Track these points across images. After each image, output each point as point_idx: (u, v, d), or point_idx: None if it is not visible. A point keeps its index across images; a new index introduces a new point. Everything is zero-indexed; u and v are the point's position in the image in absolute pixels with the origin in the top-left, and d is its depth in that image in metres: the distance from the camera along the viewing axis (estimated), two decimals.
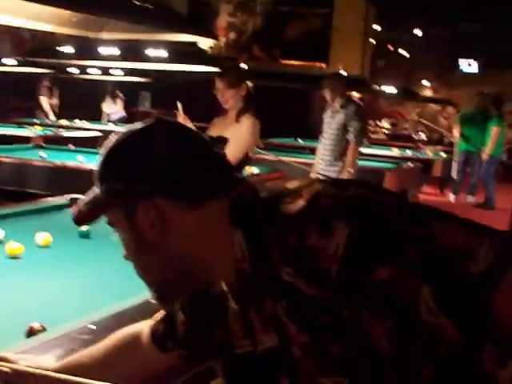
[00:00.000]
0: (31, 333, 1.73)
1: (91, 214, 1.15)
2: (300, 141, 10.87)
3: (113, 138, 1.14)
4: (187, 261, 1.09)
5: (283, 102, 14.14)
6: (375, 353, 0.94)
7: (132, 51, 9.70)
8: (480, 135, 10.50)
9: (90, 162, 5.98)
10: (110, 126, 11.04)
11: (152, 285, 1.20)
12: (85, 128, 10.03)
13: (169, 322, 1.30)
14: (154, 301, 1.96)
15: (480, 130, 10.50)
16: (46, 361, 1.50)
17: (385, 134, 15.73)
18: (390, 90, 15.08)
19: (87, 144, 8.03)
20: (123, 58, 10.45)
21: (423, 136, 15.64)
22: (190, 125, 4.32)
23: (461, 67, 16.46)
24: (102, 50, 9.30)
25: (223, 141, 4.39)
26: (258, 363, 1.11)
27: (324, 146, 6.24)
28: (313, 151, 9.24)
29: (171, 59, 10.39)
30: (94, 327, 1.77)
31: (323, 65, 14.29)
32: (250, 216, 1.07)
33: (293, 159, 7.76)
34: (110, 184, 1.10)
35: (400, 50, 16.10)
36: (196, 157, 1.10)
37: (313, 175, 6.28)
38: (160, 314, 1.37)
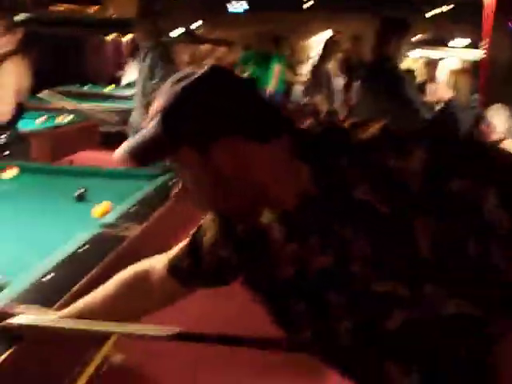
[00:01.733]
0: None
1: (154, 153, 1.18)
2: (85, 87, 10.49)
3: (173, 81, 1.17)
4: (253, 190, 1.16)
5: (57, 48, 13.58)
6: (424, 259, 1.05)
7: None
8: (263, 74, 10.98)
9: None
10: None
11: (218, 212, 1.30)
12: None
13: (194, 257, 1.38)
14: None
15: (263, 69, 11.00)
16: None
17: None
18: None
19: None
20: None
21: None
22: None
23: (229, 8, 16.88)
24: None
25: None
26: (304, 285, 1.19)
27: (136, 93, 5.73)
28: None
29: None
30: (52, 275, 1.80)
31: (94, 8, 13.86)
32: (318, 147, 1.14)
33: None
34: (187, 124, 1.13)
35: None
36: (258, 98, 1.18)
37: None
38: (177, 249, 1.43)
